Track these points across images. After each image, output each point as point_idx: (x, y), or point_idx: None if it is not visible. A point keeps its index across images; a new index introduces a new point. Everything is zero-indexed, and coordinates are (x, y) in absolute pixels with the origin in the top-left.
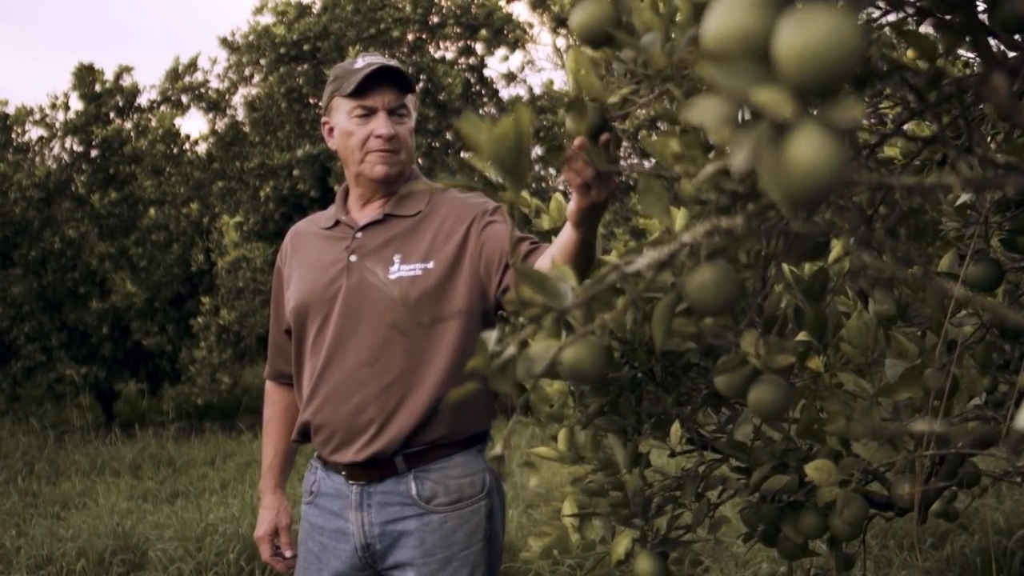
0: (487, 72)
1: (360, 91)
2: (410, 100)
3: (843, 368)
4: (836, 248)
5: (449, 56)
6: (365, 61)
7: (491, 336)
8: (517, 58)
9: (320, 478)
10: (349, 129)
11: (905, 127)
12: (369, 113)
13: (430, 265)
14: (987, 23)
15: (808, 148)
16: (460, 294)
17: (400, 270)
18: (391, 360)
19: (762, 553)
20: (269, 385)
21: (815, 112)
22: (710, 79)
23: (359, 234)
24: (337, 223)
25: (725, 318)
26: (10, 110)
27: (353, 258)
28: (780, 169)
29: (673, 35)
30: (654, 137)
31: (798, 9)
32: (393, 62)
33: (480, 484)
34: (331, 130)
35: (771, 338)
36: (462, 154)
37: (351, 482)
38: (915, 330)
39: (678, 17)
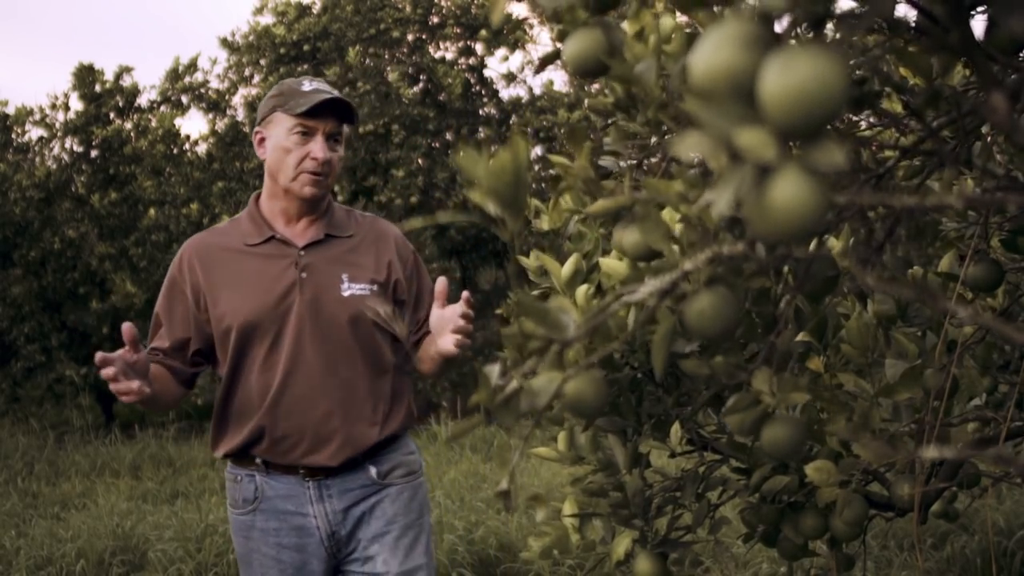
0: (487, 72)
1: (308, 113)
2: (346, 129)
3: (843, 368)
4: (836, 247)
5: (449, 56)
6: (313, 86)
7: (494, 370)
8: (517, 58)
9: (262, 483)
10: (287, 146)
11: (902, 139)
12: (309, 133)
13: (375, 287)
14: (983, 45)
15: (789, 191)
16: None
17: (351, 288)
18: (350, 368)
19: (762, 553)
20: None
21: (798, 154)
22: (695, 116)
23: (303, 252)
24: (270, 239)
25: (736, 356)
26: (10, 110)
27: (304, 275)
28: (762, 211)
29: (664, 62)
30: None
31: (784, 50)
32: (339, 94)
33: (419, 462)
34: (262, 140)
35: (784, 376)
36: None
37: (308, 479)
38: (915, 330)
39: (668, 47)
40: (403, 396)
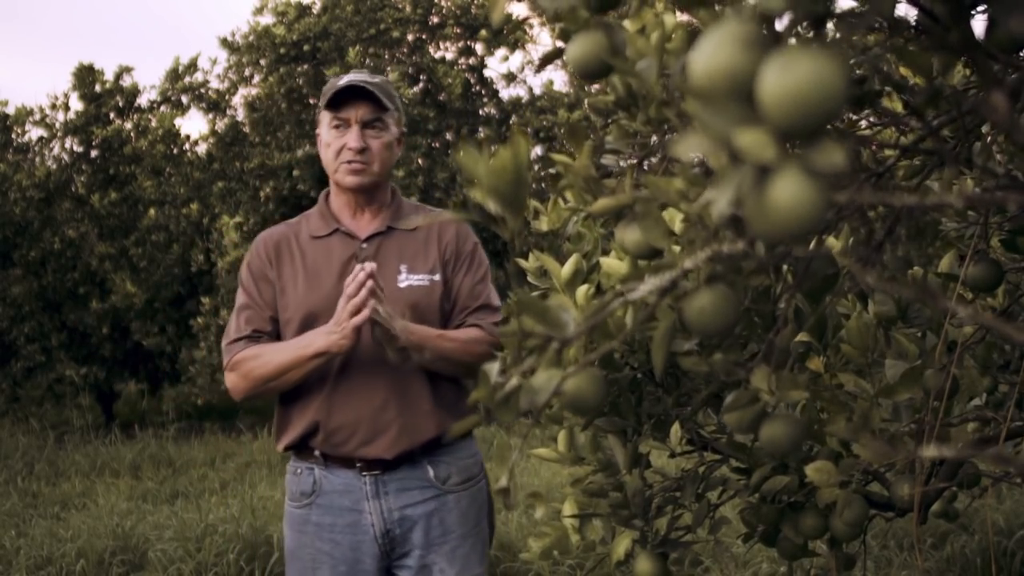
0: (487, 72)
1: (336, 105)
2: (390, 116)
3: (843, 368)
4: (836, 246)
5: (449, 56)
6: (347, 79)
7: (493, 367)
8: (517, 58)
9: (321, 477)
10: (327, 140)
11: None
12: (344, 125)
13: (436, 278)
14: (983, 44)
15: (789, 191)
16: (449, 307)
17: (409, 279)
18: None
19: (762, 553)
20: (250, 347)
21: (797, 154)
22: (695, 116)
23: (365, 244)
24: (335, 231)
25: (736, 353)
26: (10, 110)
27: (365, 265)
28: (762, 211)
29: (666, 60)
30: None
31: (783, 50)
32: (376, 79)
33: (480, 464)
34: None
35: (783, 374)
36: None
37: (365, 474)
38: (915, 330)
39: (669, 45)
40: (465, 393)
